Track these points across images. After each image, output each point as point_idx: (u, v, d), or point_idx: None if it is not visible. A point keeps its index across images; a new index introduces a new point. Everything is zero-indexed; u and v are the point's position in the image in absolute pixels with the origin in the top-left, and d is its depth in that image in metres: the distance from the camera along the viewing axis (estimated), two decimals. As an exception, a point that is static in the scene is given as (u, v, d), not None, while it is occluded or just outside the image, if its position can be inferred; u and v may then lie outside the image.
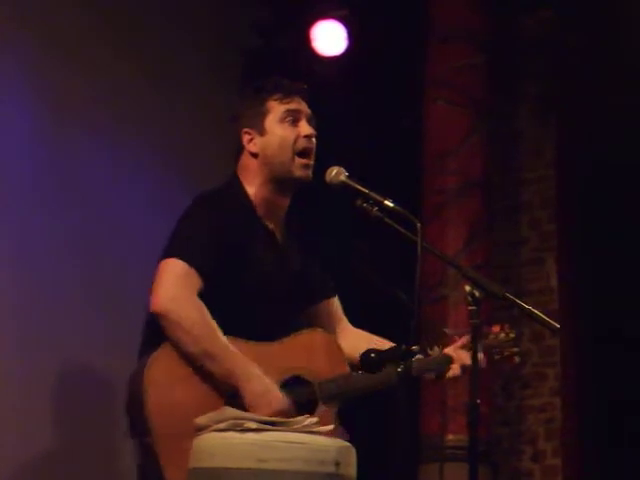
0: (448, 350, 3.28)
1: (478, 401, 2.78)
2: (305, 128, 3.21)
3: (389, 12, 5.93)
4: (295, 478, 2.60)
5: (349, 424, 3.03)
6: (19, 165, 4.55)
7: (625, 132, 5.81)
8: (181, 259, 2.97)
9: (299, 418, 2.79)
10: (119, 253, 4.85)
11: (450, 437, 5.18)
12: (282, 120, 3.20)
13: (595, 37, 5.91)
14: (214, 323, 2.94)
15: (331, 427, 2.81)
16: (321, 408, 3.04)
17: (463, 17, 5.74)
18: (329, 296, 3.39)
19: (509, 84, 6.44)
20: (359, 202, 3.03)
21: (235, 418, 2.69)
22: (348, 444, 2.75)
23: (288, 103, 3.21)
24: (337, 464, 2.64)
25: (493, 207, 5.95)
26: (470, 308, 2.82)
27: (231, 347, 2.94)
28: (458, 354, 3.26)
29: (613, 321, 5.89)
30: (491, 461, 5.50)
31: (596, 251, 6.02)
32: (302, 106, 3.24)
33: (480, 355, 3.20)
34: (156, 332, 2.98)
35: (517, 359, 3.36)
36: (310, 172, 3.21)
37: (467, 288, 2.82)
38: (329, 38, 5.97)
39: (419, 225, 2.85)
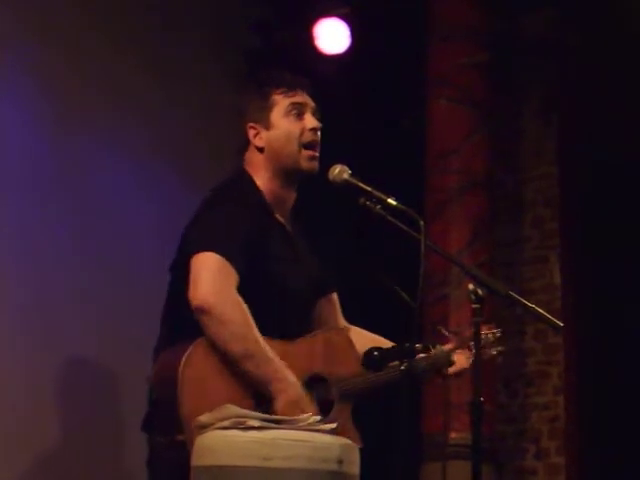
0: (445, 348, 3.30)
1: (481, 399, 2.78)
2: (310, 121, 3.21)
3: (391, 10, 5.93)
4: (299, 476, 2.60)
5: (352, 421, 3.03)
6: (20, 163, 4.55)
7: (627, 130, 5.81)
8: (217, 253, 2.93)
9: (302, 416, 2.79)
10: (121, 251, 4.85)
11: (453, 435, 5.18)
12: (287, 113, 3.20)
13: (597, 36, 5.91)
14: (253, 322, 2.92)
15: (334, 425, 2.81)
16: (337, 407, 3.04)
17: (465, 16, 5.74)
18: (331, 291, 3.39)
19: (511, 83, 6.44)
20: (362, 200, 3.03)
21: (238, 416, 2.69)
22: (351, 442, 2.75)
23: (292, 96, 3.22)
24: (340, 462, 2.64)
25: (496, 205, 5.95)
26: (473, 306, 2.82)
27: (270, 350, 2.93)
28: (458, 356, 3.29)
29: (616, 319, 5.89)
30: (494, 459, 5.50)
31: (599, 249, 6.02)
32: (306, 99, 3.24)
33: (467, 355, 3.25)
34: (178, 328, 2.98)
35: (500, 359, 3.37)
36: (316, 164, 3.21)
37: (470, 286, 2.82)
38: (331, 36, 5.98)
39: (423, 223, 2.85)
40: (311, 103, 3.25)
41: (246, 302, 2.93)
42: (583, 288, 6.22)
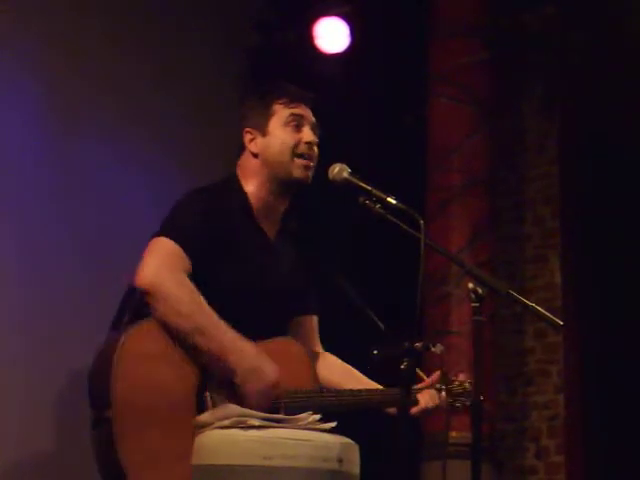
0: (418, 386, 3.23)
1: (481, 398, 2.78)
2: (308, 134, 3.20)
3: (392, 9, 5.93)
4: (299, 475, 2.60)
5: (352, 421, 3.03)
6: (21, 163, 4.56)
7: (628, 129, 5.81)
8: (169, 238, 2.97)
9: (302, 415, 2.79)
10: (123, 251, 4.84)
11: (453, 434, 5.17)
12: (286, 124, 3.19)
13: (598, 33, 5.90)
14: (202, 299, 2.92)
15: (334, 424, 2.81)
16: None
17: (467, 14, 5.75)
18: (310, 313, 3.36)
19: (513, 81, 6.44)
20: (362, 199, 3.02)
21: (239, 415, 2.69)
22: (351, 441, 2.75)
23: (294, 108, 3.21)
24: (340, 461, 2.64)
25: (497, 204, 5.95)
26: (473, 305, 2.82)
27: (222, 323, 2.92)
28: (422, 395, 3.22)
29: (616, 317, 5.89)
30: (495, 458, 5.50)
31: (599, 248, 6.02)
32: (307, 113, 3.24)
33: (442, 395, 3.22)
34: (136, 307, 2.98)
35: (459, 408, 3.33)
36: (310, 174, 3.20)
37: (470, 285, 2.82)
38: (332, 35, 5.98)
39: (422, 222, 2.85)
40: (311, 118, 3.24)
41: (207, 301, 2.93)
42: (583, 287, 6.22)
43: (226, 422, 2.69)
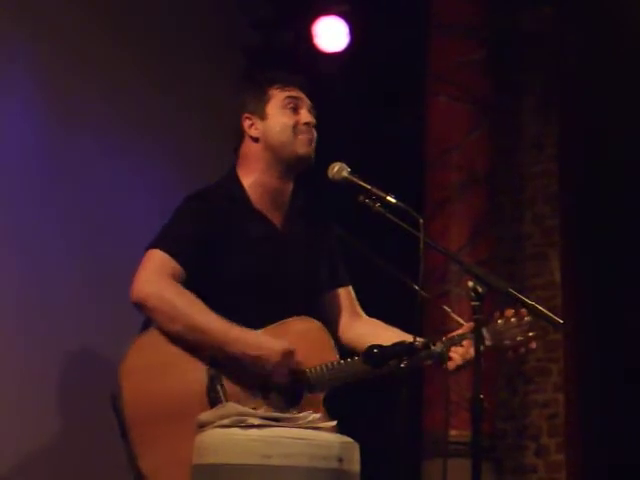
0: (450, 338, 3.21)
1: (481, 396, 2.78)
2: (305, 116, 3.23)
3: (390, 8, 5.93)
4: (299, 474, 2.60)
5: (353, 420, 3.03)
6: (19, 162, 4.55)
7: (627, 127, 5.81)
8: (159, 249, 3.01)
9: (303, 414, 2.79)
10: (122, 250, 4.84)
11: (453, 432, 5.18)
12: (284, 106, 3.22)
13: (596, 32, 5.91)
14: (196, 298, 2.96)
15: (334, 423, 2.81)
16: (307, 396, 3.03)
17: (465, 13, 5.75)
18: (338, 286, 3.37)
19: (511, 79, 6.44)
20: (361, 198, 3.03)
21: (239, 414, 2.69)
22: (352, 440, 2.75)
23: (289, 91, 3.25)
24: (340, 460, 2.64)
25: (496, 202, 5.95)
26: (473, 304, 2.82)
27: (217, 317, 2.95)
28: (456, 348, 3.19)
29: (616, 315, 5.89)
30: (494, 456, 5.50)
31: (599, 246, 6.02)
32: (302, 95, 3.27)
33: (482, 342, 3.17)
34: (144, 322, 3.03)
35: (534, 344, 3.22)
36: (312, 149, 3.22)
37: (470, 284, 2.82)
38: (331, 34, 5.98)
39: (421, 221, 2.86)
40: (307, 100, 3.27)
41: (209, 293, 2.98)
42: (583, 285, 6.21)
43: (226, 421, 2.69)
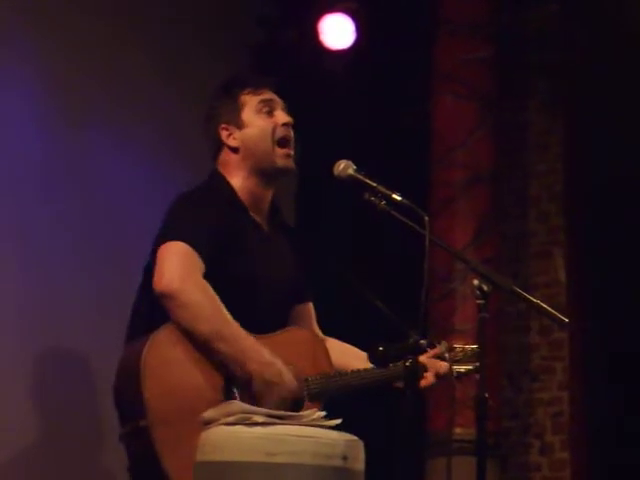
0: (421, 359, 3.10)
1: (486, 394, 2.78)
2: (282, 116, 3.23)
3: (396, 5, 5.92)
4: (303, 472, 2.60)
5: (357, 418, 3.02)
6: (24, 157, 4.55)
7: (632, 125, 5.80)
8: (183, 241, 2.95)
9: (307, 412, 2.79)
10: (127, 246, 4.84)
11: (458, 430, 5.18)
12: (258, 111, 3.22)
13: (601, 30, 5.90)
14: (222, 305, 2.92)
15: (339, 421, 2.81)
16: (307, 404, 3.01)
17: (471, 11, 5.75)
18: (307, 300, 3.37)
19: (516, 77, 6.43)
20: (367, 196, 3.03)
21: (243, 412, 2.69)
22: (356, 438, 2.75)
23: (260, 94, 3.24)
24: (345, 458, 2.64)
25: (501, 200, 5.95)
26: (478, 302, 2.82)
27: (242, 330, 2.92)
28: (432, 363, 3.21)
29: (620, 314, 5.88)
30: (499, 454, 5.50)
31: (603, 244, 6.01)
32: (274, 97, 3.27)
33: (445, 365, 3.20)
34: (148, 316, 2.98)
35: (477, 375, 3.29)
36: (292, 162, 3.22)
37: (475, 282, 2.82)
38: (336, 32, 5.97)
39: (427, 219, 2.86)
40: (279, 100, 3.27)
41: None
42: (588, 283, 6.21)
43: (231, 419, 2.69)
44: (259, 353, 2.92)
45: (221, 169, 3.24)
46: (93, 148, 4.85)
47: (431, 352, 3.23)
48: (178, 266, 2.91)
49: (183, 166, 5.16)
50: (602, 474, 5.90)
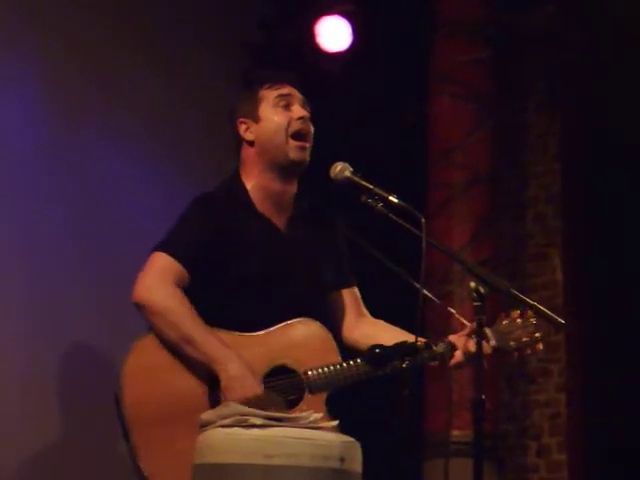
0: (452, 337, 3.20)
1: (483, 397, 2.78)
2: (298, 111, 3.24)
3: (394, 7, 5.92)
4: (301, 473, 2.60)
5: (355, 420, 3.03)
6: (22, 156, 4.55)
7: (630, 127, 5.80)
8: (164, 252, 3.05)
9: (304, 414, 2.79)
10: (124, 245, 4.85)
11: (455, 432, 5.18)
12: (275, 105, 3.23)
13: (599, 31, 5.90)
14: (192, 310, 2.99)
15: (336, 423, 2.81)
16: (308, 397, 3.04)
17: (468, 12, 5.75)
18: (344, 287, 3.37)
19: (514, 79, 6.43)
20: (364, 198, 3.04)
21: (240, 414, 2.70)
22: (353, 440, 2.75)
23: (279, 89, 3.26)
24: (342, 460, 2.64)
25: (498, 202, 5.95)
26: (475, 304, 2.82)
27: (210, 332, 2.98)
28: (462, 341, 3.18)
29: (618, 316, 5.88)
30: (496, 456, 5.50)
31: (601, 246, 6.01)
32: (293, 91, 3.28)
33: (487, 343, 3.15)
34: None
35: (540, 345, 3.21)
36: (306, 155, 3.23)
37: (472, 284, 2.82)
38: (334, 34, 5.97)
39: (423, 221, 2.86)
40: (298, 95, 3.28)
41: (211, 295, 3.03)
42: (585, 285, 6.21)
43: (228, 421, 2.69)
44: (224, 352, 2.96)
45: (240, 166, 3.27)
46: (92, 147, 4.86)
47: (463, 331, 3.20)
48: (150, 277, 3.02)
49: (183, 166, 5.18)
50: (599, 476, 5.90)
